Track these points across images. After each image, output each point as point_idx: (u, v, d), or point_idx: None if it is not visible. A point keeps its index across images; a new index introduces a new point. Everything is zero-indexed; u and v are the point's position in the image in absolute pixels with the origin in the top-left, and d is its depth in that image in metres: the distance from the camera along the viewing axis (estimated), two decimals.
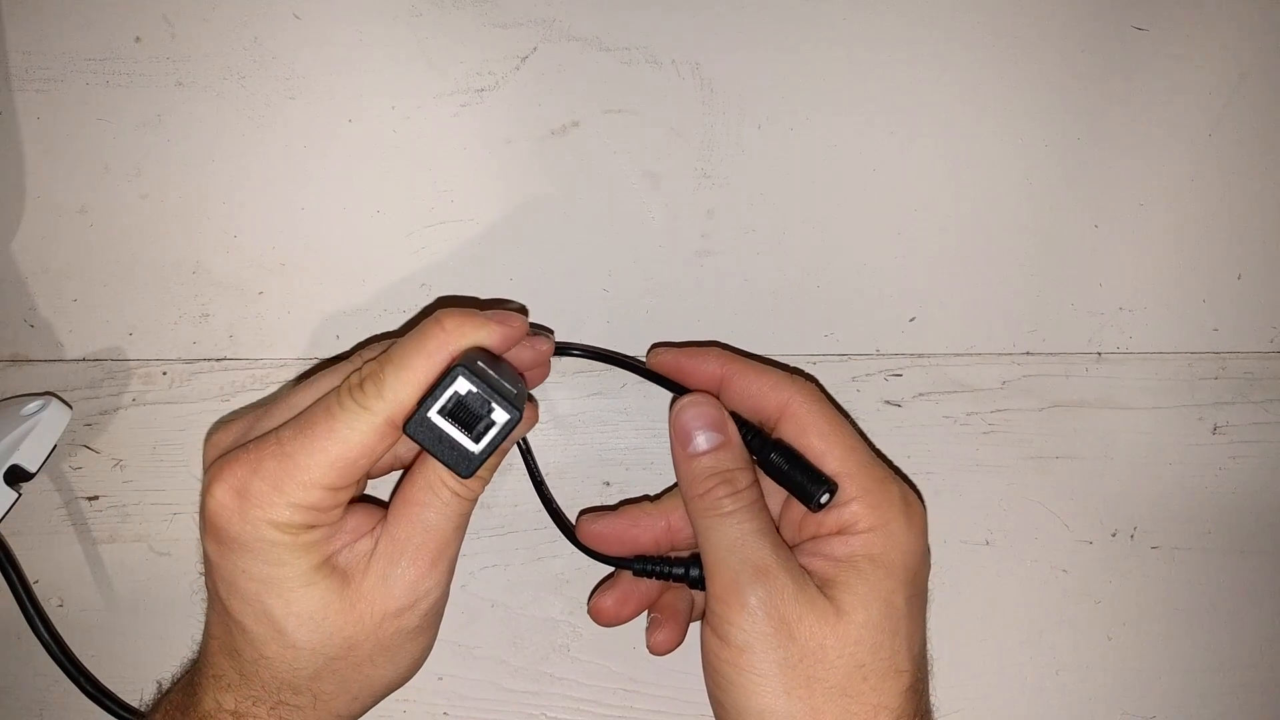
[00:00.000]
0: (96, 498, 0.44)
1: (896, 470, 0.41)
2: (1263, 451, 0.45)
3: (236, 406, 0.43)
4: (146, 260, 0.43)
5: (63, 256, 0.43)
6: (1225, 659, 0.45)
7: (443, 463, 0.32)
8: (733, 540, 0.34)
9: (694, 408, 0.36)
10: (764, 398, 0.37)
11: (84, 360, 0.43)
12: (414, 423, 0.32)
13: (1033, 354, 0.45)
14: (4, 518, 0.39)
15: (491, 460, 0.34)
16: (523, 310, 0.43)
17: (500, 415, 0.32)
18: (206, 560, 0.34)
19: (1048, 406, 0.45)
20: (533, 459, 0.41)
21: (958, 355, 0.45)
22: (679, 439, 0.36)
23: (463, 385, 0.31)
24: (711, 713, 0.36)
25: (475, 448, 0.32)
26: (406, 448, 0.36)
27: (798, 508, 0.37)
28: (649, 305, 0.44)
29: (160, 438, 0.43)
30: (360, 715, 0.36)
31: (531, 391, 0.42)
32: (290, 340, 0.43)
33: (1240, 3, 0.44)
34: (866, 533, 0.35)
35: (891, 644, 0.34)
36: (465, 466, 0.32)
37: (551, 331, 0.43)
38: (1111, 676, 0.45)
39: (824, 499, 0.35)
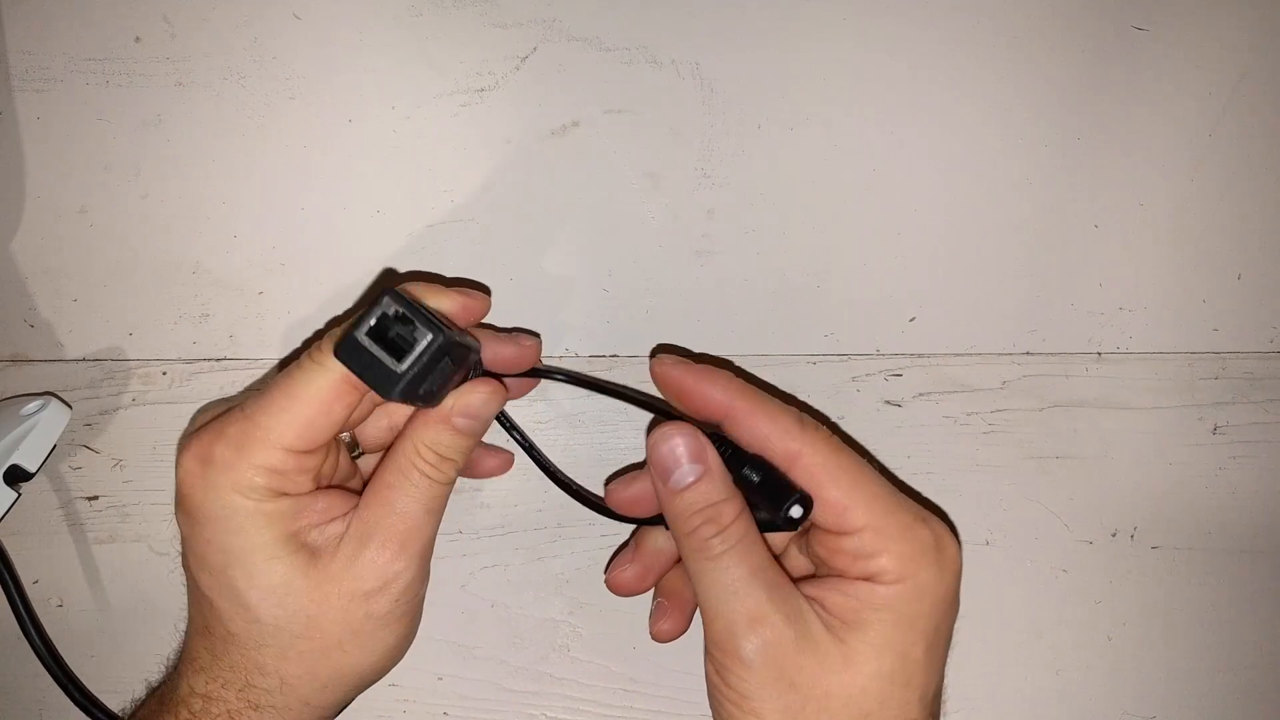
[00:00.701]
0: (96, 498, 0.43)
1: (926, 502, 0.39)
2: (1263, 451, 0.45)
3: None
4: (146, 260, 0.43)
5: (63, 256, 0.43)
6: (1225, 659, 0.45)
7: (369, 385, 0.32)
8: (724, 587, 0.33)
9: (667, 442, 0.34)
10: (770, 445, 0.34)
11: (84, 360, 0.43)
12: (343, 346, 0.31)
13: (1033, 354, 0.45)
14: (4, 518, 0.39)
15: (464, 443, 0.34)
16: (486, 291, 0.43)
17: (424, 335, 0.31)
18: (181, 540, 0.35)
19: (1048, 406, 0.45)
20: (539, 452, 0.41)
21: (958, 355, 0.45)
22: (658, 474, 0.34)
23: (390, 306, 0.31)
24: (711, 713, 0.36)
25: (399, 367, 0.31)
26: (401, 414, 0.37)
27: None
28: (649, 305, 0.44)
29: (160, 438, 0.43)
30: (335, 706, 0.36)
31: (532, 390, 0.42)
32: (290, 340, 0.43)
33: (1240, 3, 0.44)
34: (894, 584, 0.32)
35: (902, 695, 0.32)
36: (388, 386, 0.31)
37: (538, 336, 0.43)
38: (1111, 676, 0.45)
39: (796, 514, 0.33)
